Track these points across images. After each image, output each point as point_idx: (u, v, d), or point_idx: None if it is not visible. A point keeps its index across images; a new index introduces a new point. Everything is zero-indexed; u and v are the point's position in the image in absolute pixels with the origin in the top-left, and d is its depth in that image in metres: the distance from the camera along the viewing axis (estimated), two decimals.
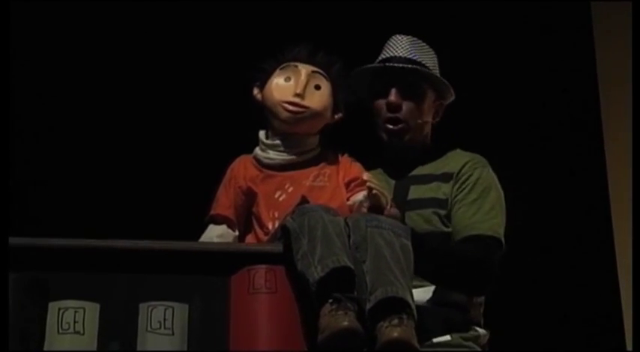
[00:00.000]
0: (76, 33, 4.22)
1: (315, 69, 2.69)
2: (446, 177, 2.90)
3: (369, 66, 2.97)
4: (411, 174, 2.93)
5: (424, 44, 3.01)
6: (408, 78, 2.93)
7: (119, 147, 4.10)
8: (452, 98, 3.03)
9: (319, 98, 2.66)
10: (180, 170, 4.02)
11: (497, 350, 2.95)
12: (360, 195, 2.62)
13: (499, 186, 2.92)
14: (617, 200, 4.27)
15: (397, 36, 3.01)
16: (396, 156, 2.95)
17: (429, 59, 2.98)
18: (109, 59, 4.18)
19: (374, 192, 2.51)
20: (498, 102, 4.34)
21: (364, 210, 2.54)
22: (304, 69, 2.67)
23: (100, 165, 4.08)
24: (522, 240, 3.70)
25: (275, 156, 2.67)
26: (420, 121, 2.95)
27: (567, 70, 4.46)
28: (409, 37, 3.00)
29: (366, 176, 2.58)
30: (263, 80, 2.72)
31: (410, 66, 2.92)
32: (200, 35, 4.25)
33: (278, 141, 2.67)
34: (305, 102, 2.63)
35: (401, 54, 2.96)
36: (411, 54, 2.96)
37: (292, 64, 2.69)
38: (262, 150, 2.69)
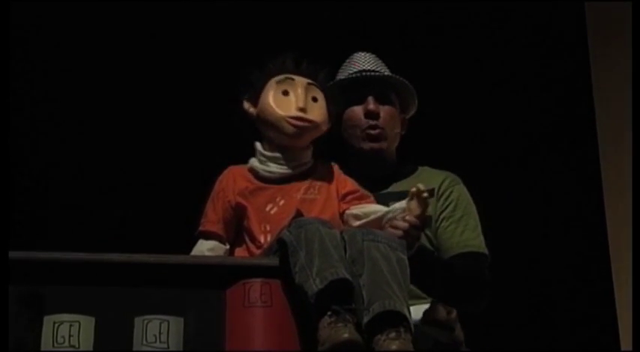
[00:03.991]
0: (71, 48, 4.25)
1: (310, 81, 2.74)
2: None
3: (348, 77, 3.05)
4: (386, 190, 3.00)
5: (380, 60, 3.11)
6: (383, 88, 3.04)
7: (113, 161, 4.14)
8: (413, 111, 3.14)
9: (319, 110, 2.72)
10: (173, 182, 4.06)
11: None
12: (374, 207, 2.70)
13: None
14: (612, 199, 4.33)
15: (360, 52, 3.13)
16: (368, 172, 3.00)
17: (389, 73, 3.09)
18: (102, 74, 4.22)
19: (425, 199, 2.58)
20: (488, 106, 4.39)
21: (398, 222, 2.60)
22: (300, 82, 2.72)
23: (94, 179, 4.12)
24: (515, 242, 3.77)
25: (276, 169, 2.71)
26: (396, 131, 3.07)
27: (561, 72, 4.52)
28: (370, 53, 3.11)
29: (421, 185, 2.60)
30: (254, 94, 2.75)
31: (393, 75, 3.05)
32: (183, 50, 4.28)
33: (278, 154, 2.71)
34: (309, 116, 2.68)
35: (369, 67, 3.07)
36: (377, 67, 3.07)
37: (287, 76, 2.73)
38: (262, 162, 2.73)
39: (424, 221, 2.61)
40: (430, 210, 2.93)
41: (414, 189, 2.61)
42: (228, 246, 2.71)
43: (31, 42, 4.20)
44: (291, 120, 2.67)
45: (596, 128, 4.40)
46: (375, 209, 2.69)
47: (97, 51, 4.24)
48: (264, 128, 2.75)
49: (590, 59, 4.49)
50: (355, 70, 3.06)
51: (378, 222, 2.63)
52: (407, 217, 2.60)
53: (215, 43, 4.27)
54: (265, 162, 2.72)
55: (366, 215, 2.67)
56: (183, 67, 4.25)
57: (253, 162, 2.74)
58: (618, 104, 4.26)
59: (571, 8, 4.55)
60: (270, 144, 2.74)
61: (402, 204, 2.65)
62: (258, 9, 4.30)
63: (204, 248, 2.68)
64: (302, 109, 2.67)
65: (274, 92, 2.71)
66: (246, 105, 2.77)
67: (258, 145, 2.76)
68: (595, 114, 4.42)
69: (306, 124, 2.68)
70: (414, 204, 2.60)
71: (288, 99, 2.70)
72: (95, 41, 4.24)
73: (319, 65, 2.80)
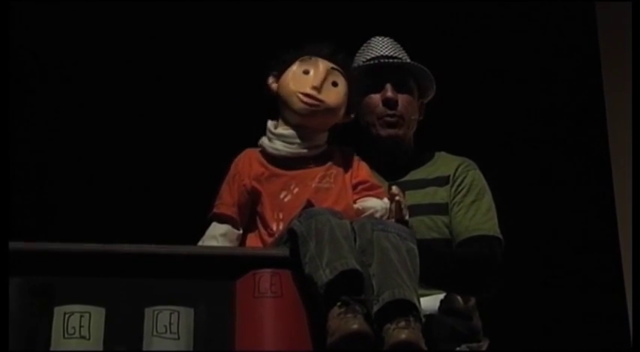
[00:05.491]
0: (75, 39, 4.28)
1: (335, 66, 2.73)
2: (440, 181, 3.03)
3: (366, 63, 3.07)
4: (403, 179, 3.02)
5: (399, 44, 3.13)
6: (400, 75, 3.06)
7: (123, 150, 4.16)
8: (431, 95, 3.15)
9: (335, 95, 2.71)
10: (183, 171, 4.07)
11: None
12: (372, 202, 2.68)
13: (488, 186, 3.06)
14: (621, 197, 4.33)
15: (378, 37, 3.14)
16: (386, 159, 3.03)
17: (407, 57, 3.11)
18: (109, 60, 4.23)
19: (402, 206, 2.57)
20: (500, 102, 4.41)
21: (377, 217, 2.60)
22: (323, 64, 2.72)
23: (104, 168, 4.13)
24: (524, 237, 3.77)
25: (282, 147, 2.70)
26: (413, 117, 3.09)
27: (572, 69, 4.53)
28: (388, 38, 3.12)
29: (395, 189, 2.61)
30: (280, 70, 2.76)
31: (412, 62, 3.06)
32: (199, 35, 4.30)
33: (287, 132, 2.71)
34: (321, 97, 2.68)
35: (387, 53, 3.08)
36: (395, 53, 3.06)
37: (312, 57, 2.73)
38: (269, 139, 2.73)
39: (404, 224, 2.56)
40: (445, 197, 2.97)
41: (393, 190, 2.62)
42: (241, 231, 2.70)
43: (33, 34, 4.22)
44: (301, 96, 2.67)
45: (607, 121, 4.42)
46: (371, 204, 2.68)
47: (106, 40, 4.26)
48: (279, 104, 2.74)
49: (600, 52, 4.51)
50: (373, 55, 3.08)
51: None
52: (389, 220, 2.58)
53: (227, 32, 4.29)
54: (272, 140, 2.72)
55: (364, 210, 2.66)
56: (195, 54, 4.27)
57: (263, 140, 2.75)
58: (627, 96, 4.27)
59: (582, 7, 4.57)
60: (285, 123, 2.73)
61: (386, 203, 2.65)
62: None
63: (217, 232, 2.69)
64: (316, 88, 2.67)
65: (296, 69, 2.72)
66: (271, 80, 2.77)
67: (269, 123, 2.75)
68: (605, 107, 4.44)
69: (315, 103, 2.67)
70: (394, 206, 2.59)
71: (306, 78, 2.70)
72: (103, 31, 4.26)
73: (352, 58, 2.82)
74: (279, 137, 2.71)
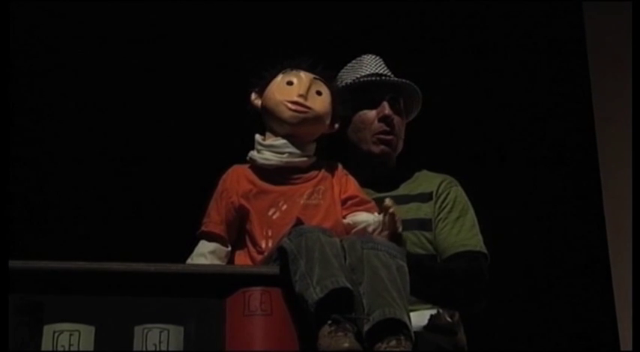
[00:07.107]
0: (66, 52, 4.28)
1: (317, 77, 2.77)
2: (423, 198, 3.05)
3: (366, 79, 3.07)
4: (386, 194, 3.01)
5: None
6: (394, 93, 3.08)
7: (111, 168, 4.16)
8: (412, 117, 3.18)
9: (321, 102, 2.75)
10: (171, 189, 4.07)
11: None
12: (364, 216, 2.70)
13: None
14: (611, 199, 4.36)
15: (370, 55, 3.16)
16: (369, 175, 3.03)
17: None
18: (102, 78, 4.24)
19: (396, 219, 2.59)
20: (483, 117, 4.44)
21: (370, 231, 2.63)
22: (306, 75, 2.76)
23: (91, 186, 4.13)
24: (508, 252, 3.80)
25: (272, 156, 2.72)
26: (403, 137, 3.11)
27: (559, 72, 4.56)
28: (378, 56, 3.14)
29: (388, 201, 2.63)
30: (262, 86, 2.79)
31: (409, 82, 3.07)
32: (181, 52, 4.31)
33: (277, 142, 2.73)
34: (308, 104, 2.71)
35: (382, 71, 3.10)
36: (389, 72, 3.11)
37: (294, 70, 2.77)
38: (258, 151, 2.75)
39: (397, 237, 2.60)
40: (429, 213, 3.00)
41: (387, 203, 2.63)
42: (229, 248, 2.72)
43: (33, 46, 4.23)
44: (288, 104, 2.70)
45: (595, 130, 4.44)
46: (363, 218, 2.70)
47: (96, 54, 4.26)
48: (266, 117, 2.77)
49: (589, 58, 4.53)
50: (368, 72, 3.09)
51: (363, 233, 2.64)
52: (383, 233, 2.62)
53: (218, 43, 4.30)
54: (261, 151, 2.74)
55: (355, 224, 2.68)
56: (184, 67, 4.28)
57: (252, 153, 2.76)
58: (617, 105, 4.30)
59: (568, 8, 4.59)
60: (273, 136, 2.76)
61: (378, 217, 2.67)
62: (266, 9, 4.33)
63: (206, 250, 2.70)
64: (302, 96, 2.71)
65: (280, 81, 2.76)
66: (253, 96, 2.81)
67: (257, 136, 2.78)
68: (594, 116, 4.47)
69: (303, 109, 2.70)
70: (388, 218, 2.61)
71: (291, 88, 2.74)
72: (96, 44, 4.27)
73: (333, 71, 2.86)
74: (268, 148, 2.73)
